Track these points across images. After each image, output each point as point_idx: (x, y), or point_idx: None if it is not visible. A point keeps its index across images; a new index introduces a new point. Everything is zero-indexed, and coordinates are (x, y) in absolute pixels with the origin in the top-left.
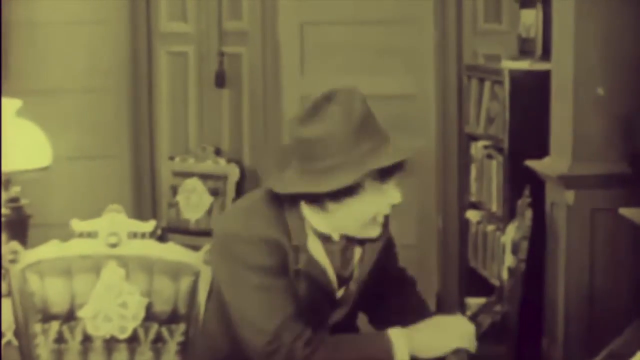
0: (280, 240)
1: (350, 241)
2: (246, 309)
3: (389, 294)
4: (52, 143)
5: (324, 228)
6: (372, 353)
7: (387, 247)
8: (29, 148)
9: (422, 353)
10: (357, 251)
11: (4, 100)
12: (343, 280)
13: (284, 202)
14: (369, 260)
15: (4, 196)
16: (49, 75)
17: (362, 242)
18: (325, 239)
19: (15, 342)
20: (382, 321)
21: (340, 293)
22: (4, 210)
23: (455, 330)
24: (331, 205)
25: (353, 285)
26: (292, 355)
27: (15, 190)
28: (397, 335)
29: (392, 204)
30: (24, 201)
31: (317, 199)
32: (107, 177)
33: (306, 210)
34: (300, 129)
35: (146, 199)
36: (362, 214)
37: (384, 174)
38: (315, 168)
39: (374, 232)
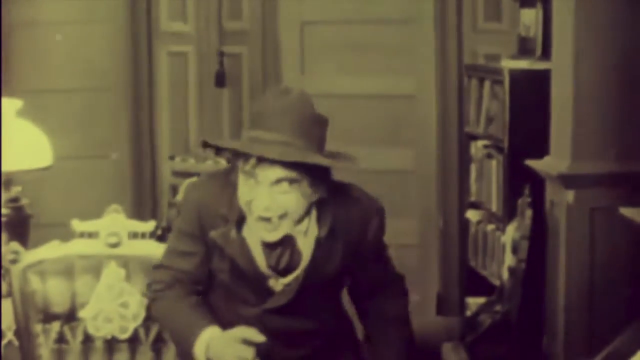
0: (212, 207)
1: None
2: None
3: (358, 297)
4: (53, 143)
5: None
6: (184, 335)
7: (350, 252)
8: (29, 148)
9: None
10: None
11: (4, 100)
12: (280, 271)
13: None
14: (320, 264)
15: (5, 196)
16: (49, 75)
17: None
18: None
19: (16, 342)
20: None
21: (274, 284)
22: (4, 210)
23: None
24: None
25: (291, 281)
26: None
27: (16, 190)
28: (205, 338)
29: (260, 207)
30: (24, 201)
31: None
32: (107, 177)
33: None
34: (259, 103)
35: (146, 198)
36: (240, 197)
37: (252, 173)
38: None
39: (266, 235)
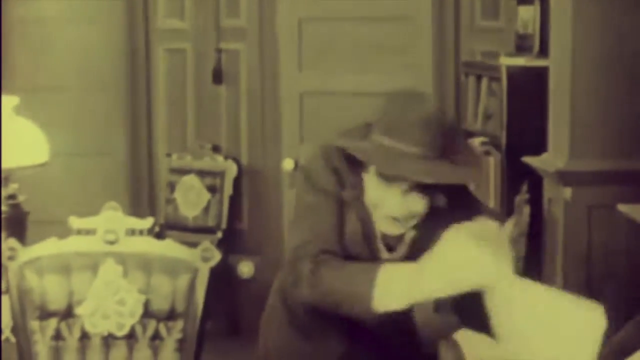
0: (339, 166)
1: None
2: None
3: None
4: (50, 140)
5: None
6: (356, 286)
7: None
8: (26, 145)
9: (426, 295)
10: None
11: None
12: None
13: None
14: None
15: (2, 193)
16: (47, 72)
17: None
18: None
19: (13, 339)
20: None
21: (383, 255)
22: (2, 207)
23: (469, 263)
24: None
25: (398, 254)
26: (299, 270)
27: (13, 187)
28: (387, 271)
29: (389, 211)
30: (21, 198)
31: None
32: (104, 174)
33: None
34: (394, 108)
35: (144, 195)
36: (368, 201)
37: (388, 178)
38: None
39: (390, 229)
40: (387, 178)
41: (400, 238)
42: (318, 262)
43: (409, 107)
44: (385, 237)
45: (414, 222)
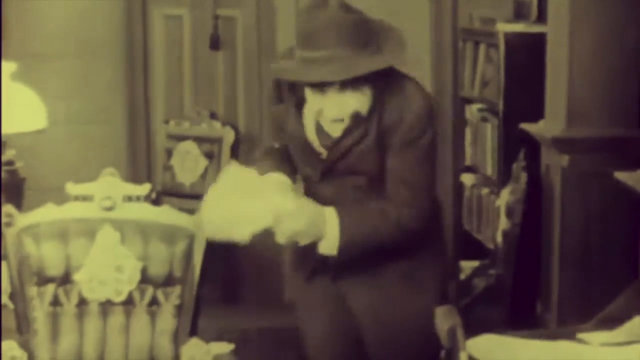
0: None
1: None
2: None
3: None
4: (48, 107)
5: None
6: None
7: (384, 135)
8: (23, 111)
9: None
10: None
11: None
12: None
13: None
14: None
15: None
16: (43, 39)
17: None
18: None
19: (11, 306)
20: None
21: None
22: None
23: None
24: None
25: (335, 151)
26: None
27: (10, 153)
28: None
29: (330, 114)
30: (19, 164)
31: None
32: (102, 141)
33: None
34: (302, 21)
35: (141, 162)
36: (308, 118)
37: (316, 85)
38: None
39: (330, 130)
40: (315, 86)
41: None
42: None
43: (314, 15)
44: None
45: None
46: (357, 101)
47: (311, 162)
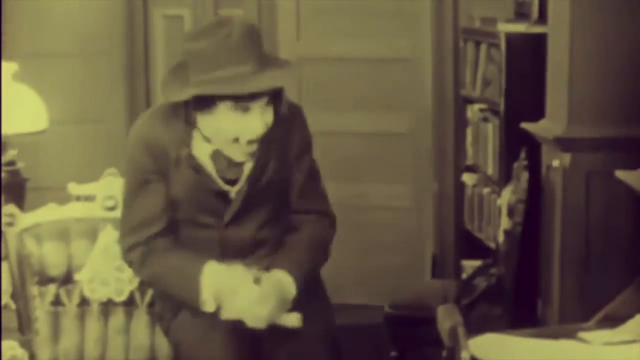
0: (161, 140)
1: None
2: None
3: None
4: (49, 107)
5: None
6: (185, 278)
7: (281, 163)
8: (25, 111)
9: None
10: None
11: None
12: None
13: (180, 110)
14: (258, 172)
15: (2, 159)
16: (45, 38)
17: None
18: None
19: (12, 306)
20: None
21: (229, 190)
22: (1, 174)
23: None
24: (199, 117)
25: (241, 186)
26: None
27: (12, 153)
28: (210, 272)
29: (252, 133)
30: (20, 164)
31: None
32: (103, 141)
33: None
34: (189, 42)
35: None
36: (218, 132)
37: (239, 99)
38: (193, 79)
39: (237, 156)
40: (244, 107)
41: (239, 171)
42: (145, 251)
43: (216, 35)
44: (224, 175)
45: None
46: (269, 121)
47: (211, 206)
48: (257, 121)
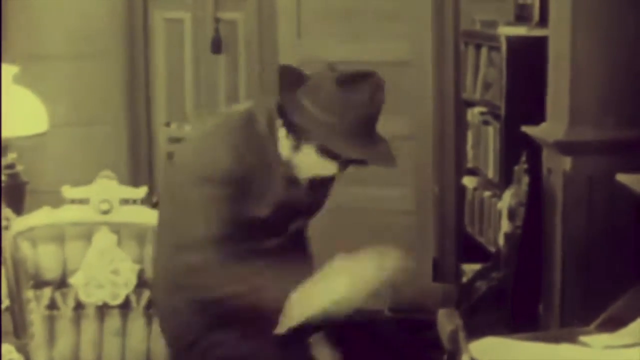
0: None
1: None
2: None
3: None
4: (49, 110)
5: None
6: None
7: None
8: (25, 114)
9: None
10: None
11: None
12: None
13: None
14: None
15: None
16: (45, 41)
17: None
18: None
19: (6, 307)
20: None
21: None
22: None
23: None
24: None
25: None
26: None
27: (11, 156)
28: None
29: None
30: (20, 167)
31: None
32: (103, 144)
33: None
34: (335, 88)
35: (142, 165)
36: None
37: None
38: (313, 113)
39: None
40: (297, 147)
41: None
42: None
43: (345, 85)
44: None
45: None
46: (331, 168)
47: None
48: (310, 162)
